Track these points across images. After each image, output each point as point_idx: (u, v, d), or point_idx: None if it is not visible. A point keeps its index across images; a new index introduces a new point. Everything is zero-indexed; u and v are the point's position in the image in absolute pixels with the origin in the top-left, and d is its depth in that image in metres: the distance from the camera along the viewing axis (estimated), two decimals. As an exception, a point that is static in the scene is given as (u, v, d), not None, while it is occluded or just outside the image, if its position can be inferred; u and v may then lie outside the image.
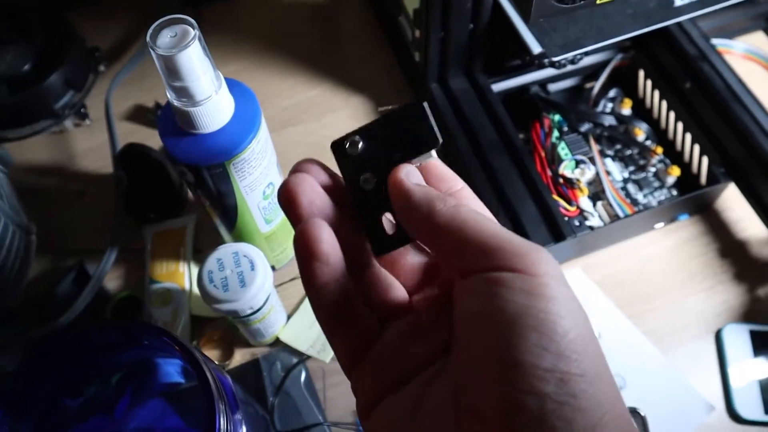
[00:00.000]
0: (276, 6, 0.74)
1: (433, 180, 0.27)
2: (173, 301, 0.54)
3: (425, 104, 0.25)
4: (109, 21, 0.73)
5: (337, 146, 0.27)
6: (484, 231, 0.23)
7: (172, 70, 0.37)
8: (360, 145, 0.26)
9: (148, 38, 0.37)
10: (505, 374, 0.21)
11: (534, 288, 0.22)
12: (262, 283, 0.45)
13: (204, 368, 0.36)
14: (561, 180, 0.55)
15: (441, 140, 0.25)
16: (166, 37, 0.37)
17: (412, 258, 0.27)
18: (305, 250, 0.25)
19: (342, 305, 0.25)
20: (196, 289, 0.54)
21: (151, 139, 0.64)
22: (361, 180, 0.26)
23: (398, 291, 0.27)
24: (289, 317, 0.54)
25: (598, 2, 0.41)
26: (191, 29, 0.37)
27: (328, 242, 0.25)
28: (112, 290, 0.56)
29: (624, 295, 0.55)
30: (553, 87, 0.63)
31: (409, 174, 0.26)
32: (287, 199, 0.26)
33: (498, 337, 0.21)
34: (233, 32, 0.71)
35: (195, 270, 0.56)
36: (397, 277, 0.27)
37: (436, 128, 0.25)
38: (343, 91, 0.66)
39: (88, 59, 0.67)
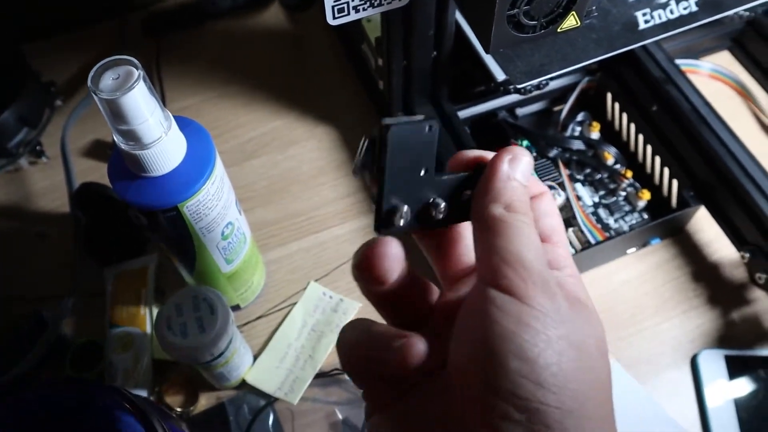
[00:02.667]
0: (240, 36, 0.72)
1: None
2: (134, 346, 0.52)
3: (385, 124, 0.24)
4: (66, 54, 0.71)
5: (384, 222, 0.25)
6: (513, 246, 0.24)
7: (116, 114, 0.36)
8: (398, 207, 0.25)
9: (89, 82, 0.35)
10: (486, 399, 0.22)
11: (524, 316, 0.22)
12: (223, 327, 0.43)
13: (157, 428, 0.34)
14: (530, 207, 0.54)
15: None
16: (108, 80, 0.36)
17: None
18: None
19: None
20: (157, 333, 0.53)
21: (111, 175, 0.62)
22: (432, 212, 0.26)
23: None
24: (255, 357, 0.52)
25: (559, 30, 0.40)
26: (135, 70, 0.35)
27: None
28: (72, 336, 0.54)
29: (598, 323, 0.54)
30: (521, 111, 0.62)
31: (513, 158, 0.26)
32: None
33: (484, 359, 0.22)
34: (195, 63, 0.70)
35: (156, 313, 0.54)
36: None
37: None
38: (309, 122, 0.65)
39: (44, 94, 0.65)
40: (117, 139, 0.38)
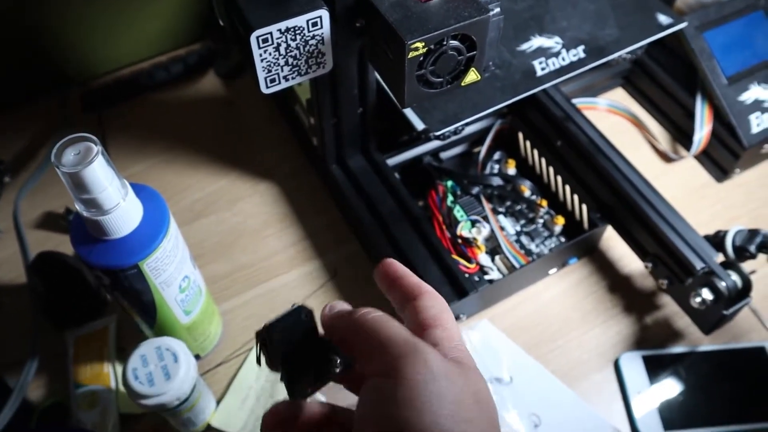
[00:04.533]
0: (176, 105, 0.77)
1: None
2: (100, 402, 0.55)
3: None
4: (10, 131, 0.75)
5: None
6: (376, 333, 0.27)
7: (78, 185, 0.40)
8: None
9: (52, 158, 0.39)
10: None
11: (398, 394, 0.25)
12: (187, 373, 0.47)
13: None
14: (460, 240, 0.60)
15: None
16: (70, 155, 0.40)
17: None
18: None
19: None
20: (122, 388, 0.55)
21: (64, 244, 0.65)
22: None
23: None
24: (218, 402, 0.55)
25: (462, 84, 0.46)
26: (94, 145, 0.40)
27: None
28: (36, 400, 0.56)
29: (530, 338, 0.59)
30: (444, 155, 0.69)
31: (330, 307, 0.32)
32: None
33: None
34: (138, 132, 0.74)
35: (120, 369, 0.57)
36: None
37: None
38: (251, 179, 0.70)
39: (-7, 173, 0.68)
40: (79, 207, 0.42)
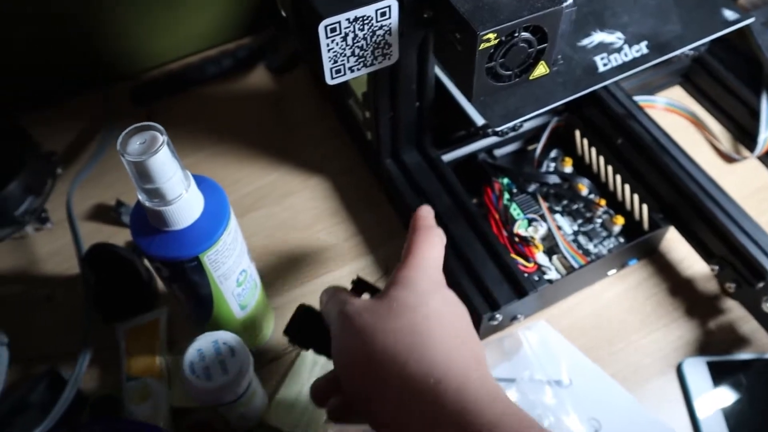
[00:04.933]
0: (225, 99, 0.77)
1: None
2: (152, 395, 0.54)
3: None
4: (62, 123, 0.75)
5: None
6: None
7: (143, 174, 0.39)
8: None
9: (118, 146, 0.39)
10: None
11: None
12: (244, 368, 0.46)
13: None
14: (516, 239, 0.59)
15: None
16: (135, 144, 0.39)
17: None
18: None
19: None
20: (174, 381, 0.55)
21: (115, 236, 0.65)
22: None
23: None
24: (270, 398, 0.54)
25: (531, 78, 0.45)
26: (160, 135, 0.39)
27: None
28: (88, 392, 0.56)
29: (588, 340, 0.58)
30: (498, 152, 0.67)
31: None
32: None
33: None
34: (187, 125, 0.74)
35: (171, 362, 0.56)
36: None
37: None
38: (301, 173, 0.69)
39: (46, 164, 0.68)
40: (141, 197, 0.41)
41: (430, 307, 0.37)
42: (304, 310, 0.46)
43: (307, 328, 0.46)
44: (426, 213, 0.44)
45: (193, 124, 0.74)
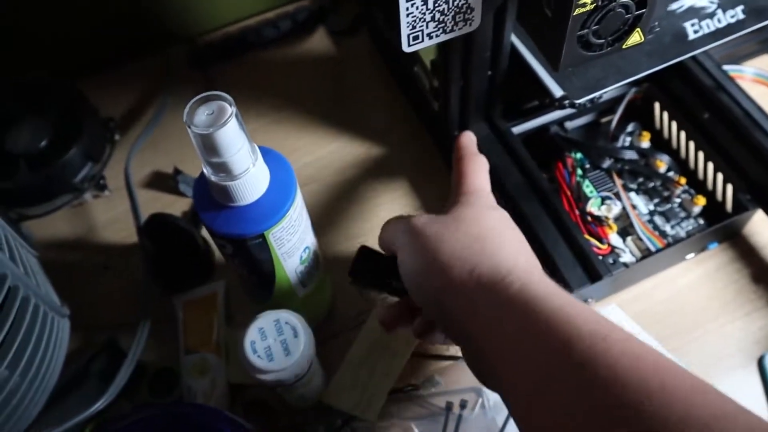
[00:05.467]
0: (284, 63, 0.74)
1: None
2: (210, 370, 0.53)
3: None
4: (118, 88, 0.74)
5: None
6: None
7: (209, 148, 0.37)
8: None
9: (185, 117, 0.37)
10: None
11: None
12: (307, 349, 0.45)
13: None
14: (589, 218, 0.55)
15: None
16: (202, 115, 0.37)
17: None
18: None
19: None
20: (232, 357, 0.54)
21: (172, 205, 0.64)
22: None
23: None
24: (329, 377, 0.53)
25: (624, 47, 0.41)
26: (228, 106, 0.37)
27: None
28: (146, 363, 0.55)
29: (663, 328, 0.55)
30: (570, 125, 0.63)
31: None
32: None
33: None
34: (244, 92, 0.72)
35: (230, 337, 0.55)
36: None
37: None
38: (362, 143, 0.66)
39: (104, 130, 0.67)
40: (207, 170, 0.39)
41: (492, 219, 0.41)
42: (366, 251, 0.47)
43: (370, 267, 0.46)
44: (468, 142, 0.48)
45: (251, 90, 0.72)
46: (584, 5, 0.36)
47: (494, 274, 0.36)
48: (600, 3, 0.37)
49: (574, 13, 0.36)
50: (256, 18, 0.77)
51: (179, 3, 0.74)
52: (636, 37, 0.41)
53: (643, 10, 0.39)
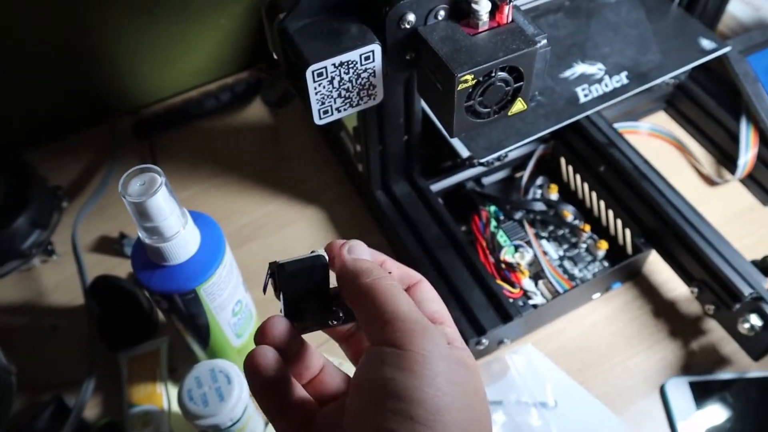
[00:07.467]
0: (225, 131, 0.80)
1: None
2: (153, 422, 0.56)
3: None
4: (66, 158, 0.78)
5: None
6: (389, 306, 0.28)
7: (142, 214, 0.42)
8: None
9: (120, 188, 0.41)
10: None
11: (404, 363, 0.26)
12: (240, 394, 0.48)
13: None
14: (503, 265, 0.61)
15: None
16: (136, 185, 0.42)
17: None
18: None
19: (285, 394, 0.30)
20: (174, 408, 0.57)
21: (118, 267, 0.67)
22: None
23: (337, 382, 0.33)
24: (266, 424, 0.56)
25: (509, 114, 0.47)
26: (158, 176, 0.41)
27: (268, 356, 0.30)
28: (91, 419, 0.58)
29: (574, 363, 0.60)
30: (487, 180, 0.70)
31: (349, 248, 0.31)
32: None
33: (365, 404, 0.26)
34: (187, 158, 0.76)
35: (172, 390, 0.58)
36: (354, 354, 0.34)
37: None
38: (297, 204, 0.72)
39: (52, 198, 0.71)
40: (141, 234, 0.44)
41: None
42: (289, 274, 0.32)
43: (309, 300, 0.32)
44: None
45: (193, 156, 0.77)
46: (466, 81, 0.42)
47: None
48: (481, 79, 0.43)
49: (458, 88, 0.42)
50: (198, 90, 0.83)
51: (127, 77, 0.79)
52: (519, 105, 0.47)
53: (521, 83, 0.45)
